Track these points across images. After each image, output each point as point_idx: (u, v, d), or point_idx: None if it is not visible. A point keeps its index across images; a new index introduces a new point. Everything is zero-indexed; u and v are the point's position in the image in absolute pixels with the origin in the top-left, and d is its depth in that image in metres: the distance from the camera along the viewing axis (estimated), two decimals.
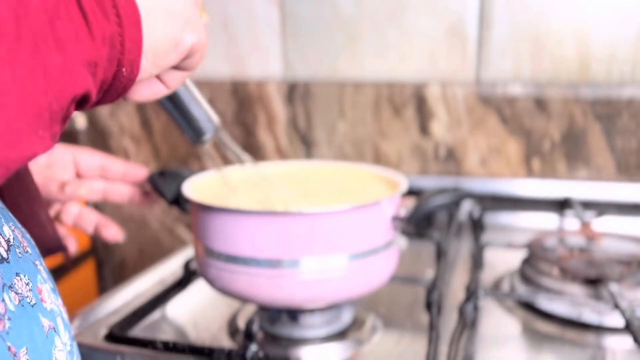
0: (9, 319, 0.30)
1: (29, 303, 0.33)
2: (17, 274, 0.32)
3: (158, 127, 1.13)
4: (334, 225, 0.51)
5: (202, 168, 1.11)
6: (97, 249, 1.24)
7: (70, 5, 0.26)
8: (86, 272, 1.20)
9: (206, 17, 0.38)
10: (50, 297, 0.35)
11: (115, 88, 0.30)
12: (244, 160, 0.55)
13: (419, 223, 0.54)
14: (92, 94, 0.28)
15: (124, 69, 0.29)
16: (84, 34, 0.26)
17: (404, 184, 0.56)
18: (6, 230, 0.34)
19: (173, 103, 0.45)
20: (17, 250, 0.34)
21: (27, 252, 0.35)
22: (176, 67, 0.35)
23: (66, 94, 0.26)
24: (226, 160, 0.58)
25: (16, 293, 0.32)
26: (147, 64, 0.31)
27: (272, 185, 0.58)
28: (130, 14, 0.28)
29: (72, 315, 0.60)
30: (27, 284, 0.33)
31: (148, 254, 1.21)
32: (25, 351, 0.31)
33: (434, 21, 0.95)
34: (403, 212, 0.55)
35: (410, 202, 0.55)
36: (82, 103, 0.29)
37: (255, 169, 0.57)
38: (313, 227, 0.50)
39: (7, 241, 0.33)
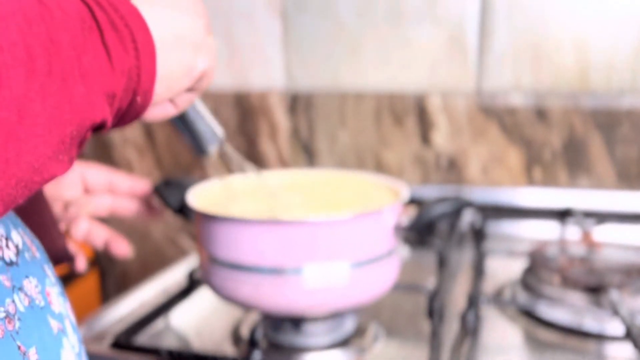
0: (19, 319, 0.31)
1: (38, 305, 0.33)
2: (27, 277, 0.33)
3: (161, 137, 1.14)
4: (336, 233, 0.52)
5: (205, 177, 1.12)
6: (99, 259, 1.24)
7: (95, 40, 0.27)
8: (89, 283, 1.21)
9: (212, 39, 0.39)
10: (59, 301, 0.36)
11: (129, 115, 0.32)
12: (247, 170, 0.56)
13: (421, 231, 0.54)
14: (109, 121, 0.30)
15: (138, 98, 0.31)
16: (106, 67, 0.28)
17: (405, 193, 0.57)
18: (15, 235, 0.35)
19: (180, 118, 0.46)
20: (26, 254, 0.35)
21: (35, 256, 0.36)
22: (187, 90, 0.37)
23: (86, 122, 0.28)
24: (230, 171, 0.59)
25: (25, 295, 0.33)
26: (161, 90, 0.33)
27: (275, 194, 0.58)
28: (146, 46, 0.30)
29: (82, 320, 0.61)
30: (36, 287, 0.34)
31: (150, 265, 1.22)
32: (35, 351, 0.31)
33: (435, 31, 0.97)
34: (405, 221, 0.55)
35: (412, 211, 0.56)
36: (98, 128, 0.30)
37: (258, 178, 0.58)
38: (316, 235, 0.51)
39: (16, 246, 0.34)
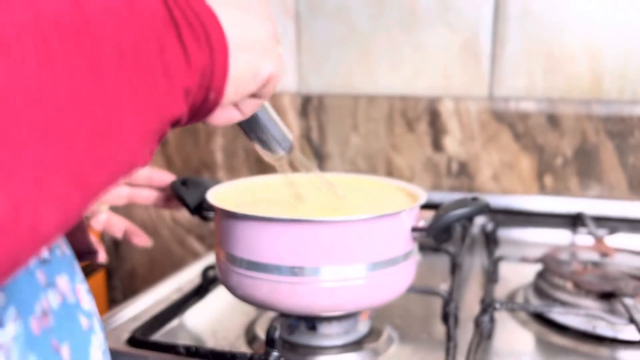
0: (53, 316, 0.31)
1: (70, 302, 0.34)
2: (59, 273, 0.34)
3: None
4: (354, 234, 0.52)
5: (214, 178, 1.13)
6: (107, 257, 1.24)
7: (173, 37, 0.28)
8: (96, 282, 1.21)
9: (281, 47, 0.39)
10: (87, 298, 0.36)
11: (201, 112, 0.33)
12: (311, 171, 0.56)
13: (438, 235, 0.54)
14: (185, 116, 0.31)
15: (211, 95, 0.32)
16: (183, 63, 0.29)
17: (423, 196, 0.57)
18: None
19: (250, 124, 0.46)
20: (57, 251, 0.35)
21: (65, 253, 0.36)
22: (252, 95, 0.37)
23: (167, 116, 0.29)
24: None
25: (58, 292, 0.33)
26: (230, 91, 0.33)
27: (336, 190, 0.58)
28: (219, 46, 0.31)
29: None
30: (68, 284, 0.34)
31: (158, 264, 1.22)
32: (67, 347, 0.32)
33: (448, 36, 0.97)
34: (422, 223, 0.55)
35: (429, 214, 0.56)
36: (174, 124, 0.31)
37: (322, 178, 0.58)
38: (334, 236, 0.51)
39: None
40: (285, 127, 0.49)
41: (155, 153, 1.18)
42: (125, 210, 1.16)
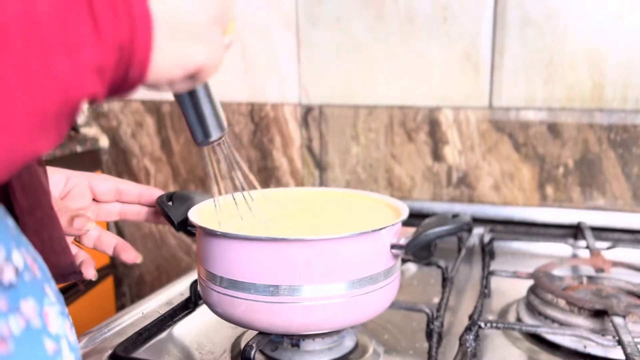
0: (13, 341, 0.31)
1: (34, 326, 0.34)
2: (25, 298, 0.34)
3: (177, 148, 1.16)
4: (333, 252, 0.52)
5: (219, 190, 1.13)
6: (115, 265, 1.26)
7: (82, 10, 0.26)
8: (105, 288, 1.23)
9: (231, 35, 0.36)
10: (57, 321, 0.36)
11: (123, 87, 0.30)
12: (240, 169, 0.55)
13: (417, 252, 0.54)
14: (100, 95, 0.28)
15: (133, 72, 0.29)
16: (93, 38, 0.26)
17: (405, 212, 0.57)
18: (16, 255, 0.35)
19: (190, 98, 0.45)
20: (25, 274, 0.35)
21: (36, 276, 0.36)
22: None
23: (74, 97, 0.26)
24: (218, 167, 0.57)
25: (22, 317, 0.33)
26: (152, 73, 0.30)
27: (256, 210, 0.57)
28: (142, 21, 0.28)
29: (86, 332, 0.62)
30: (34, 308, 0.34)
31: (165, 271, 1.23)
32: None
33: (447, 47, 0.96)
34: (402, 240, 0.55)
35: (410, 230, 0.56)
36: (90, 102, 0.29)
37: (248, 194, 0.57)
38: (312, 254, 0.51)
39: (16, 268, 0.34)
40: (221, 112, 0.47)
41: (161, 163, 1.19)
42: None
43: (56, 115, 0.26)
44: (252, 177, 0.55)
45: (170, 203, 0.63)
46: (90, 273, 0.58)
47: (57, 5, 0.25)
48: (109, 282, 1.24)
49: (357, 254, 0.53)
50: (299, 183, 1.08)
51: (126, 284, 1.27)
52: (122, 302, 1.28)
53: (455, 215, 0.55)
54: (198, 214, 0.58)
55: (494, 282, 0.76)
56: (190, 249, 1.20)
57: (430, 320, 0.59)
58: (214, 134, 0.46)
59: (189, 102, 0.45)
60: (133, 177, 1.19)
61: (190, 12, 0.31)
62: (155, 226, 1.21)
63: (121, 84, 0.29)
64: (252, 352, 0.52)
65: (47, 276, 0.39)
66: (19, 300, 0.33)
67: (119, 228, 1.23)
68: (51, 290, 0.38)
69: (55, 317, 0.37)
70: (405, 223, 0.57)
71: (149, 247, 1.22)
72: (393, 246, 0.55)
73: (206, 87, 0.45)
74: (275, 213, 0.59)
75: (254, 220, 0.57)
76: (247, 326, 0.54)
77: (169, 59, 0.30)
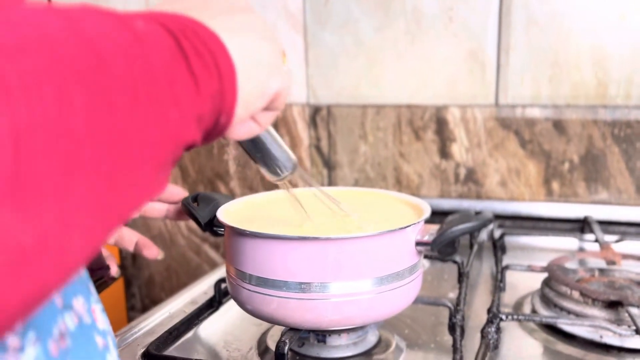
0: (70, 337, 0.33)
1: (86, 323, 0.35)
2: (75, 295, 0.35)
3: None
4: (361, 250, 0.53)
5: (228, 190, 1.15)
6: (125, 266, 1.27)
7: (182, 67, 0.29)
8: (115, 289, 1.24)
9: (287, 62, 0.41)
10: (102, 317, 0.38)
11: (214, 133, 0.35)
12: (318, 194, 0.58)
13: (442, 249, 0.56)
14: (198, 141, 0.32)
15: (222, 118, 0.33)
16: (193, 92, 0.30)
17: (427, 210, 0.59)
18: None
19: (254, 144, 0.48)
20: None
21: (80, 274, 0.38)
22: (265, 109, 0.39)
23: (180, 143, 0.30)
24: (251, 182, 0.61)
25: (75, 313, 0.34)
26: (240, 110, 0.35)
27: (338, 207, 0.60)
28: (227, 71, 0.32)
29: (118, 332, 0.63)
30: (84, 305, 0.36)
31: (175, 272, 1.25)
32: None
33: (454, 46, 0.98)
34: (427, 237, 0.57)
35: (434, 227, 0.57)
36: (188, 148, 0.33)
37: (334, 203, 0.60)
38: (341, 252, 0.52)
39: None
40: (288, 149, 0.51)
41: None
42: (142, 220, 1.18)
43: (168, 162, 0.29)
44: (333, 199, 0.59)
45: (195, 204, 0.64)
46: (113, 270, 0.59)
47: (165, 64, 0.28)
48: (119, 283, 1.25)
49: (384, 251, 0.54)
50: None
51: (136, 284, 1.28)
52: (132, 303, 1.29)
53: (478, 212, 0.57)
54: (226, 214, 0.59)
55: (506, 276, 0.78)
56: (200, 249, 1.21)
57: (452, 314, 0.61)
58: (285, 171, 0.50)
59: (258, 147, 0.49)
60: None
61: (261, 50, 0.36)
62: (165, 227, 1.22)
63: (212, 130, 0.34)
64: (286, 348, 0.53)
65: (87, 275, 0.40)
66: (72, 298, 0.35)
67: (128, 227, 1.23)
68: (92, 288, 0.40)
69: (101, 314, 0.38)
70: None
71: (159, 247, 1.23)
72: (418, 243, 0.56)
73: (269, 130, 0.48)
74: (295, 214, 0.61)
75: (287, 219, 0.59)
76: (279, 322, 0.56)
77: (253, 91, 0.35)
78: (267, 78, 0.37)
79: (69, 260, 0.24)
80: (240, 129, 0.39)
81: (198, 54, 0.30)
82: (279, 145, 0.50)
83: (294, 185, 0.56)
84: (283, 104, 0.40)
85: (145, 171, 0.28)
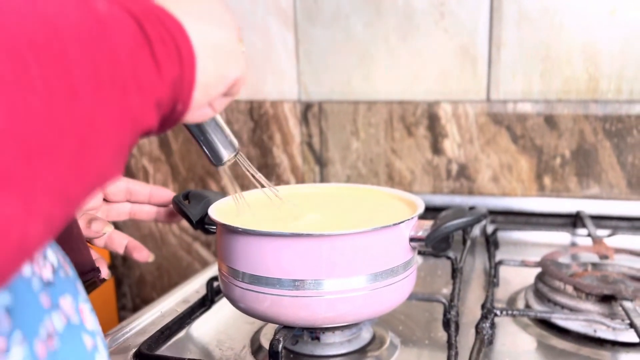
0: (58, 338, 0.32)
1: (74, 323, 0.35)
2: (63, 295, 0.35)
3: (176, 148, 1.16)
4: (354, 246, 0.53)
5: (219, 187, 1.14)
6: (116, 265, 1.26)
7: (146, 52, 0.29)
8: (105, 289, 1.23)
9: (243, 46, 0.41)
10: (91, 317, 0.37)
11: (170, 121, 0.34)
12: (259, 180, 0.58)
13: (436, 244, 0.55)
14: (154, 128, 0.32)
15: (179, 105, 0.33)
16: (156, 78, 0.30)
17: (421, 206, 0.58)
18: (50, 254, 0.36)
19: (198, 128, 0.49)
20: (60, 272, 0.36)
21: (68, 274, 0.37)
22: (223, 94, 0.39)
23: (139, 130, 0.30)
24: (242, 179, 0.60)
25: (63, 313, 0.34)
26: (199, 97, 0.35)
27: (288, 204, 0.60)
28: (188, 57, 0.32)
29: (108, 331, 0.62)
30: (71, 304, 0.35)
31: (166, 271, 1.24)
32: None
33: (445, 42, 0.98)
34: (421, 233, 0.56)
35: (428, 223, 0.57)
36: (144, 135, 0.32)
37: (273, 191, 0.59)
38: (335, 249, 0.52)
39: (52, 264, 0.35)
40: (231, 134, 0.52)
41: (160, 162, 1.20)
42: (132, 220, 1.17)
43: (127, 145, 0.29)
44: (271, 185, 0.58)
45: (186, 202, 0.64)
46: (104, 272, 0.59)
47: (129, 49, 0.28)
48: (109, 283, 1.24)
49: (378, 247, 0.54)
50: (300, 180, 1.09)
51: (127, 284, 1.27)
52: (122, 302, 1.28)
53: (471, 208, 0.57)
54: (218, 212, 0.59)
55: (500, 271, 0.78)
56: (191, 248, 1.21)
57: (446, 310, 0.61)
58: (227, 155, 0.52)
59: (202, 132, 0.50)
60: (131, 177, 1.19)
61: (220, 37, 0.36)
62: (155, 226, 1.21)
63: (169, 116, 0.33)
64: (279, 346, 0.53)
65: (76, 275, 0.39)
66: (58, 297, 0.34)
67: (118, 229, 1.22)
68: (81, 288, 0.39)
69: (89, 313, 0.38)
70: None
71: (149, 247, 1.22)
72: (412, 239, 0.56)
73: (215, 116, 0.48)
74: (295, 210, 0.60)
75: (283, 214, 0.59)
76: (272, 320, 0.55)
77: (212, 77, 0.35)
78: (226, 65, 0.37)
79: (29, 245, 0.23)
80: (195, 113, 0.39)
81: (161, 40, 0.30)
82: (222, 130, 0.51)
83: (238, 172, 0.57)
84: (240, 89, 0.40)
85: (104, 156, 0.27)
